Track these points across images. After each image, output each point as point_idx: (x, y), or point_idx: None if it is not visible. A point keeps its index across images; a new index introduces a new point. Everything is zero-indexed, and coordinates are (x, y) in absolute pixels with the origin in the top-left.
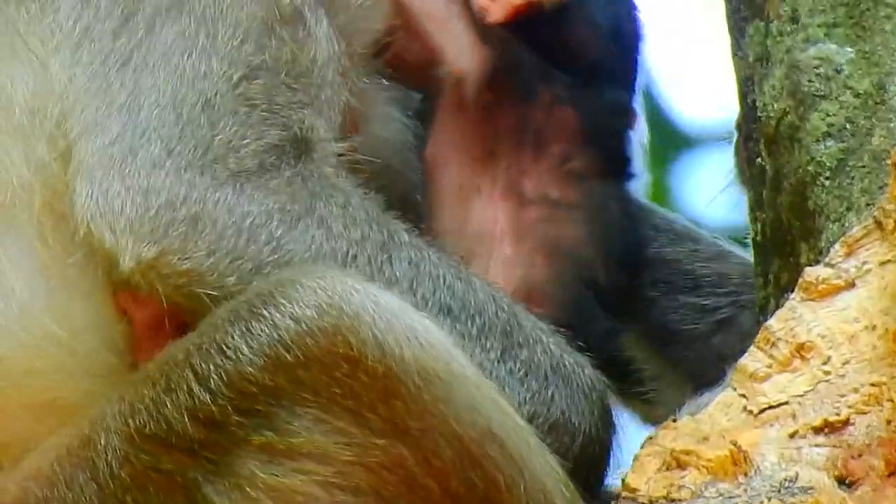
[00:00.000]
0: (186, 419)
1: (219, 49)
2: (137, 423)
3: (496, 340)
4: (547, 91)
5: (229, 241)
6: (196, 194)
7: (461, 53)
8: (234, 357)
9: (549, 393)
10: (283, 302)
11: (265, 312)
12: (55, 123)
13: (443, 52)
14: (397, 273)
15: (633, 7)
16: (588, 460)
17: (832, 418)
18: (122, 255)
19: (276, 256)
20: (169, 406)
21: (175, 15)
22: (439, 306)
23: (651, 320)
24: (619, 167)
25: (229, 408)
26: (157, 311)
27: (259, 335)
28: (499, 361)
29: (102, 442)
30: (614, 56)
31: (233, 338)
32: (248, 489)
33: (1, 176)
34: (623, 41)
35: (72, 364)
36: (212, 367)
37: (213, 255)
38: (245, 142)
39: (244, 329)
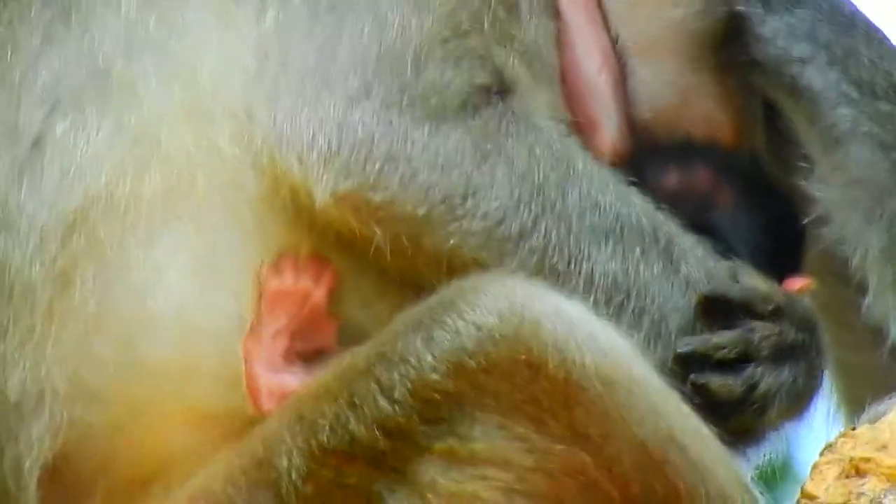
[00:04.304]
0: (372, 432)
1: (431, 10)
2: (321, 439)
3: (657, 257)
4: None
5: (422, 175)
6: (394, 133)
7: (612, 136)
8: (417, 365)
9: None
10: (465, 308)
11: (447, 319)
12: (240, 96)
13: (597, 127)
14: (569, 208)
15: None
16: None
17: None
18: (315, 187)
19: (464, 189)
20: (353, 420)
21: None
22: (605, 232)
23: None
24: None
25: (414, 416)
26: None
27: (441, 342)
28: (662, 277)
29: (284, 463)
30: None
31: (415, 346)
32: (429, 496)
33: (168, 160)
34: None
35: (224, 374)
36: (396, 376)
37: (407, 189)
38: (452, 84)
39: (426, 336)
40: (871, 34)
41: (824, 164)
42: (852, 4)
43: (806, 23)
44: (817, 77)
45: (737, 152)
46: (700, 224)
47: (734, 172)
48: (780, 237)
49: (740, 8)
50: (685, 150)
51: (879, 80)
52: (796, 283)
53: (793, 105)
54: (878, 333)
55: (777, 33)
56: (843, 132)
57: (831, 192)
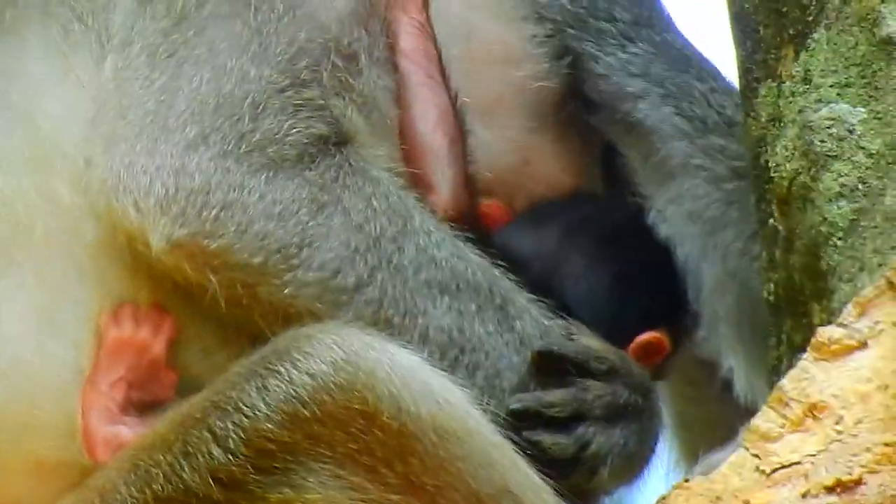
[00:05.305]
0: (206, 481)
1: (270, 59)
2: (155, 489)
3: (493, 313)
4: None
5: (258, 224)
6: (230, 181)
7: (445, 195)
8: (251, 415)
9: None
10: (299, 358)
11: (281, 368)
12: (79, 143)
13: (431, 185)
14: (405, 261)
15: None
16: None
17: (845, 478)
18: (151, 234)
19: (299, 239)
20: (188, 470)
21: (229, 24)
22: (440, 287)
23: None
24: None
25: (248, 466)
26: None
27: (275, 391)
28: (497, 333)
29: None
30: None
31: (249, 395)
32: None
33: (6, 207)
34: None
35: (62, 424)
36: (230, 425)
37: (242, 238)
38: (289, 134)
39: (260, 385)
40: (704, 68)
41: (659, 199)
42: (685, 39)
43: (639, 58)
44: (651, 111)
45: (583, 208)
46: (546, 283)
47: (582, 231)
48: (635, 292)
49: (579, 48)
50: (534, 210)
51: (712, 114)
52: (645, 338)
53: (628, 141)
54: (710, 372)
55: (612, 70)
56: (675, 166)
57: (667, 226)
